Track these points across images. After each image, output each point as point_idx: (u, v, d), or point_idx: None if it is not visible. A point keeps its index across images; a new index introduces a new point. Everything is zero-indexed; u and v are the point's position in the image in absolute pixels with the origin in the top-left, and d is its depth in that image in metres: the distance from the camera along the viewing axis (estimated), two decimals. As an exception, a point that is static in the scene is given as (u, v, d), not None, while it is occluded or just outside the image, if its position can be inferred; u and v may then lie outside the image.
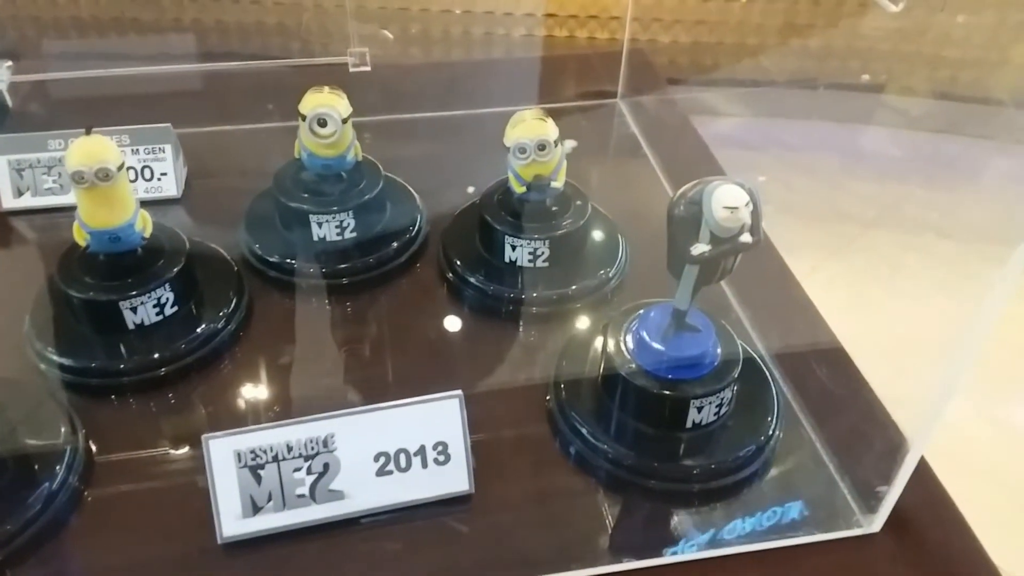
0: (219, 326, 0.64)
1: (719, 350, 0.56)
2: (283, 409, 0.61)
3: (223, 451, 0.50)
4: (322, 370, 0.65)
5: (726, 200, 0.46)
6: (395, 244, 0.73)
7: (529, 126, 0.65)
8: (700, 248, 0.48)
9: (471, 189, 0.81)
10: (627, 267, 0.72)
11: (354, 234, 0.72)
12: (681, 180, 0.85)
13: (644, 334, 0.56)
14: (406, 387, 0.63)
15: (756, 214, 0.48)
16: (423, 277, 0.73)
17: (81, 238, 0.60)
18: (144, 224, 0.61)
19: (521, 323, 0.69)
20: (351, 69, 0.89)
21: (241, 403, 0.62)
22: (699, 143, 0.91)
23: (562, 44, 1.41)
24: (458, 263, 0.72)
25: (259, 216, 0.75)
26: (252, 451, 0.50)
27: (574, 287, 0.69)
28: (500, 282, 0.70)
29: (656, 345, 0.55)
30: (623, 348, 0.57)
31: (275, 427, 0.51)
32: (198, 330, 0.63)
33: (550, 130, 0.65)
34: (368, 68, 0.89)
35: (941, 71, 1.55)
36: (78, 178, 0.56)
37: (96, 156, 0.56)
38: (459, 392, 0.53)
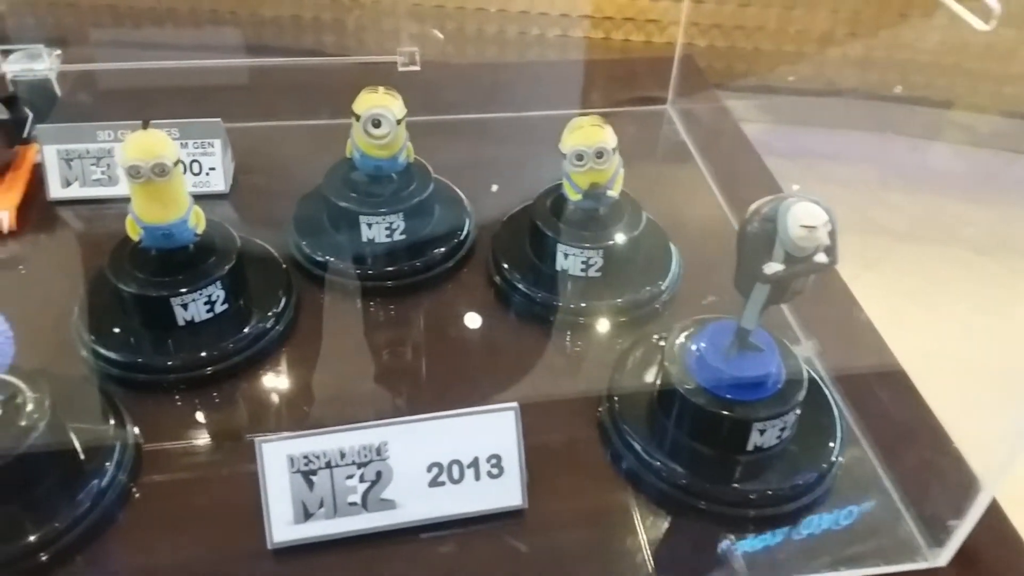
0: (268, 325, 0.64)
1: (783, 371, 0.55)
2: (331, 413, 0.60)
3: (276, 455, 0.49)
4: (369, 374, 0.64)
5: (804, 219, 0.45)
6: (443, 248, 0.72)
7: (587, 132, 0.64)
8: (773, 267, 0.46)
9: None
10: (679, 280, 0.70)
11: (403, 236, 0.71)
12: (734, 191, 0.85)
13: (705, 351, 0.55)
14: (453, 395, 0.63)
15: (833, 234, 0.46)
16: (471, 282, 0.72)
17: (134, 232, 0.59)
18: (197, 220, 0.61)
19: (570, 333, 0.67)
20: (400, 68, 0.88)
21: (289, 405, 0.61)
22: (752, 153, 0.89)
23: (599, 46, 1.40)
24: (507, 269, 0.70)
25: (307, 214, 0.74)
26: (305, 456, 0.50)
27: (626, 298, 0.68)
28: (550, 290, 0.68)
29: (718, 364, 0.54)
30: (682, 364, 0.56)
31: (329, 433, 0.50)
32: (247, 329, 0.63)
33: (608, 137, 0.64)
34: (417, 68, 0.88)
35: (998, 87, 1.52)
36: (134, 172, 0.56)
37: (153, 151, 0.56)
38: (515, 404, 0.52)
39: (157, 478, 0.55)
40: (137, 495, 0.54)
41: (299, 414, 0.60)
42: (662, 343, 0.60)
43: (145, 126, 0.57)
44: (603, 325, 0.67)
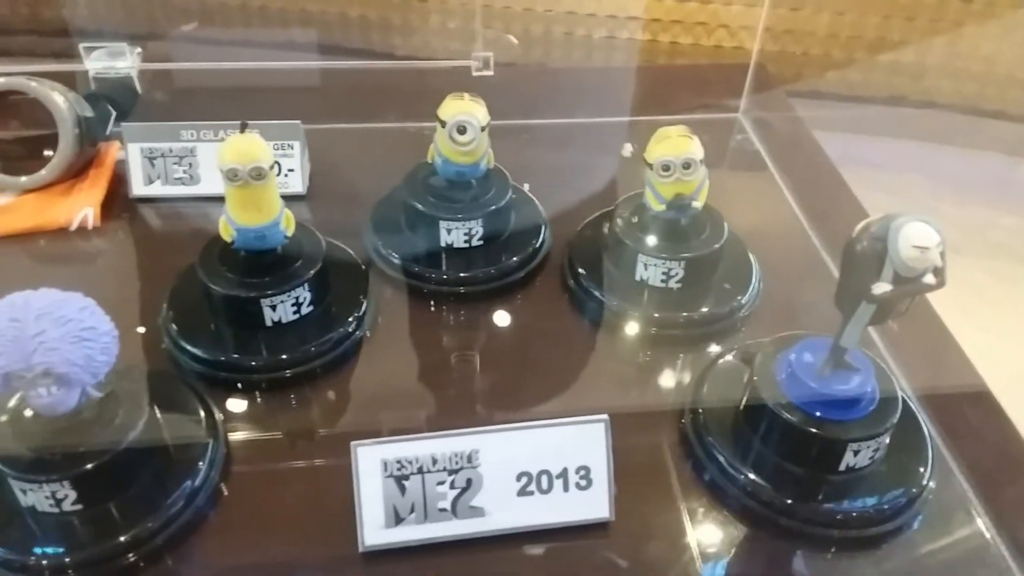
0: (350, 328, 0.64)
1: (876, 390, 0.54)
2: (413, 418, 0.60)
3: (370, 459, 0.50)
4: (448, 380, 0.64)
5: (917, 239, 0.44)
6: (520, 254, 0.72)
7: (675, 143, 0.63)
8: (883, 287, 0.46)
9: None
10: (760, 294, 0.70)
11: (481, 242, 0.71)
12: (810, 203, 0.83)
13: (797, 368, 0.54)
14: (530, 403, 0.63)
15: (943, 254, 0.45)
16: (546, 289, 0.72)
17: (227, 234, 0.60)
18: (288, 223, 0.62)
19: (648, 343, 0.67)
20: (474, 73, 0.88)
21: (371, 409, 0.61)
22: (827, 164, 0.88)
23: (665, 50, 1.39)
24: (583, 277, 0.70)
25: (384, 218, 0.75)
26: (398, 461, 0.50)
27: (706, 311, 0.67)
28: (627, 299, 0.68)
29: (813, 381, 0.53)
30: (774, 380, 0.55)
31: (422, 438, 0.50)
32: (331, 331, 0.63)
33: (696, 148, 0.63)
34: (491, 73, 0.88)
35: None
36: (232, 175, 0.56)
37: (251, 155, 0.57)
38: (605, 416, 0.52)
39: (247, 477, 0.55)
40: (227, 494, 0.54)
41: (382, 418, 0.61)
42: (748, 357, 0.60)
43: (243, 129, 0.58)
44: (682, 337, 0.67)
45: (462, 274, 0.70)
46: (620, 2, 1.31)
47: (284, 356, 0.62)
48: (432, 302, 0.71)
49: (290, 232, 0.62)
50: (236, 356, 0.62)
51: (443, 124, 0.66)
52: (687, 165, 0.63)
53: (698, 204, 0.65)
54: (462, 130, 0.66)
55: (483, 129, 0.67)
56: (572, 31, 1.33)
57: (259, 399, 0.62)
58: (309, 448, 0.58)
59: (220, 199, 0.78)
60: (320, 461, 0.57)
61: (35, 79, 0.77)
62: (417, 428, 0.60)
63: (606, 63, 1.37)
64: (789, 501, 0.54)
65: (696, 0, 1.32)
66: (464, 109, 0.66)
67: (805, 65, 1.40)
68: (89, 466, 0.48)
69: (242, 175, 0.56)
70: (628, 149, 0.91)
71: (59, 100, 0.76)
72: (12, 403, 0.50)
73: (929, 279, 0.46)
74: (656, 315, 0.67)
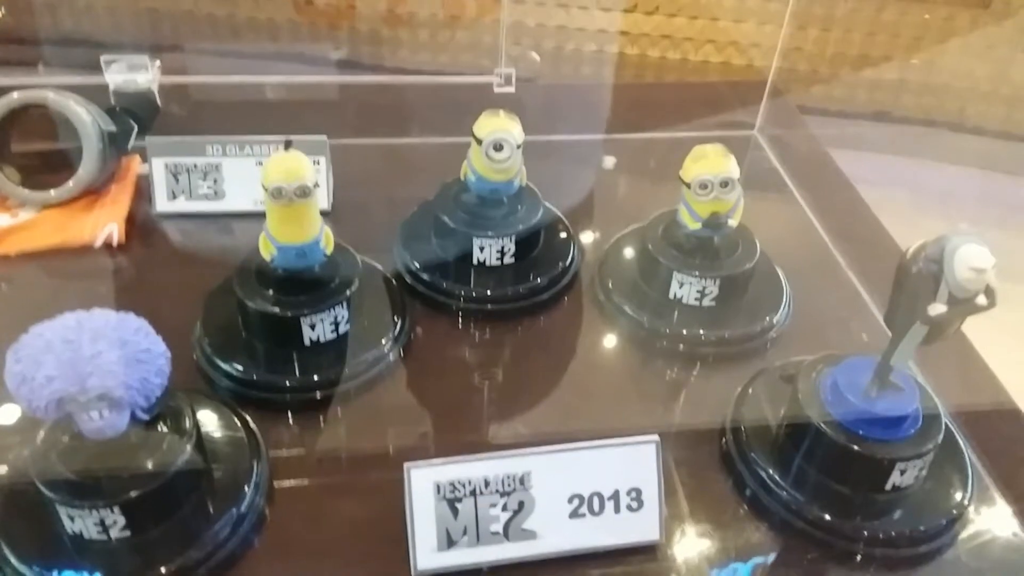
0: (388, 346, 0.64)
1: (920, 410, 0.54)
2: (456, 438, 0.60)
3: (423, 482, 0.49)
4: (488, 399, 0.64)
5: (974, 261, 0.45)
6: (551, 272, 0.72)
7: (712, 162, 0.64)
8: (938, 308, 0.46)
9: (595, 208, 0.79)
10: (791, 313, 0.70)
11: (512, 259, 0.71)
12: (833, 221, 0.84)
13: (843, 387, 0.55)
14: (570, 423, 0.63)
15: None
16: (577, 307, 0.72)
17: (267, 251, 0.60)
18: (327, 241, 0.61)
19: (682, 361, 0.67)
20: (496, 89, 0.89)
21: (414, 428, 0.61)
22: (845, 182, 0.89)
23: (674, 66, 1.40)
24: (615, 294, 0.70)
25: (414, 234, 0.75)
26: (451, 483, 0.50)
27: (740, 329, 0.68)
28: (660, 317, 0.68)
29: (859, 401, 0.53)
30: (818, 399, 0.55)
31: (474, 460, 0.50)
32: (368, 349, 0.63)
33: (733, 167, 0.64)
34: (512, 89, 0.88)
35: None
36: (276, 194, 0.56)
37: (295, 173, 0.56)
38: (655, 438, 0.52)
39: (291, 501, 0.55)
40: (272, 519, 0.54)
41: (425, 438, 0.60)
42: (788, 375, 0.60)
43: (287, 147, 0.57)
44: (716, 355, 0.67)
45: (494, 291, 0.70)
46: (633, 19, 1.32)
47: (322, 375, 0.61)
48: (464, 319, 0.70)
49: (329, 250, 0.62)
50: (273, 375, 0.61)
51: (479, 141, 0.67)
52: (725, 183, 0.63)
53: (733, 222, 0.66)
54: (499, 147, 0.66)
55: (519, 147, 0.67)
56: (582, 47, 1.34)
57: (297, 419, 0.61)
58: (353, 470, 0.58)
59: (245, 215, 0.79)
60: (365, 483, 0.56)
61: (58, 92, 0.76)
62: (460, 448, 0.59)
63: (619, 79, 1.39)
64: (834, 519, 0.54)
65: (705, 18, 1.34)
66: (501, 126, 0.66)
67: (813, 83, 1.42)
68: (140, 491, 0.47)
69: (286, 193, 0.56)
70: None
71: (83, 114, 0.75)
72: (57, 426, 0.49)
73: (981, 300, 0.47)
74: (690, 333, 0.67)
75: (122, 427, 0.47)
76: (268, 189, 0.56)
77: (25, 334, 0.45)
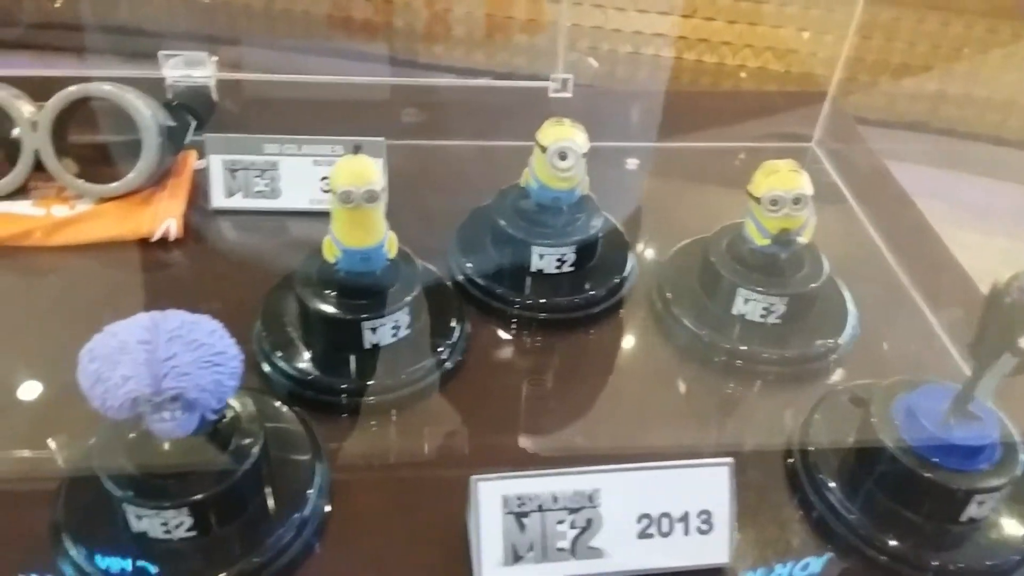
0: (446, 352, 0.63)
1: (999, 441, 0.53)
2: (517, 448, 0.59)
3: (491, 495, 0.48)
4: (549, 409, 0.63)
5: (1074, 293, 0.43)
6: (609, 282, 0.71)
7: (784, 177, 0.62)
8: (1033, 340, 0.45)
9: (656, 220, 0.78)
10: (858, 334, 0.68)
11: (571, 268, 0.70)
12: (897, 240, 0.82)
13: (919, 414, 0.53)
14: (631, 439, 0.62)
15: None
16: (635, 320, 0.71)
17: (331, 254, 0.59)
18: (391, 246, 0.61)
19: (745, 380, 0.66)
20: (551, 95, 0.88)
21: (472, 437, 0.60)
22: (905, 197, 0.87)
23: (731, 73, 1.37)
24: (675, 308, 0.69)
25: (469, 239, 0.74)
26: (519, 498, 0.49)
27: (805, 349, 0.66)
28: (723, 333, 0.67)
29: (937, 429, 0.52)
30: (892, 424, 0.54)
31: (543, 475, 0.49)
32: (427, 354, 0.62)
33: (806, 183, 0.62)
34: (569, 95, 0.87)
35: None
36: (346, 198, 0.55)
37: (365, 177, 0.56)
38: (730, 460, 0.51)
39: (351, 507, 0.54)
40: (333, 524, 0.53)
41: (484, 448, 0.59)
42: (857, 398, 0.59)
43: (356, 151, 0.57)
44: (780, 374, 0.66)
45: (552, 300, 0.69)
46: (693, 24, 1.31)
47: (381, 379, 0.60)
48: (520, 327, 0.69)
49: (392, 254, 0.61)
50: (332, 377, 0.60)
51: (543, 149, 0.66)
52: (797, 200, 0.62)
53: (804, 240, 0.64)
54: (563, 156, 0.65)
55: (583, 155, 0.66)
56: (639, 51, 1.33)
57: (353, 422, 0.60)
58: (411, 477, 0.57)
59: (300, 214, 0.79)
60: (424, 492, 0.56)
61: (117, 85, 0.76)
62: (519, 459, 0.59)
63: (675, 85, 1.37)
64: (904, 548, 0.53)
65: (766, 25, 1.32)
66: (565, 135, 0.65)
67: (872, 95, 1.39)
68: (209, 492, 0.47)
69: (355, 198, 0.55)
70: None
71: (143, 108, 0.75)
72: (127, 425, 0.49)
73: (1077, 332, 0.45)
74: (752, 350, 0.66)
75: (191, 428, 0.46)
76: (337, 192, 0.55)
77: (99, 333, 0.45)
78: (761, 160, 0.68)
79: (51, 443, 0.56)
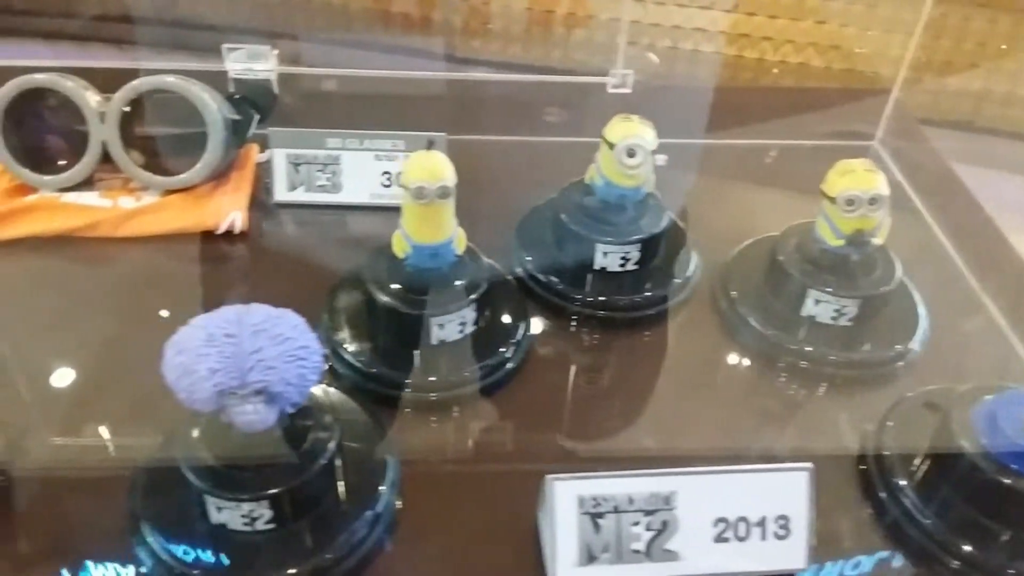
0: (511, 349, 0.63)
1: (1086, 451, 0.51)
2: (587, 447, 0.59)
3: (567, 495, 0.48)
4: (614, 409, 0.62)
5: None
6: (672, 280, 0.70)
7: (860, 177, 0.61)
8: None
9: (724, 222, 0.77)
10: (929, 339, 0.67)
11: (635, 267, 0.70)
12: (965, 243, 0.80)
13: (1002, 422, 0.52)
14: (698, 438, 0.61)
15: None
16: (698, 319, 0.70)
17: (401, 250, 0.59)
18: (460, 242, 0.60)
19: (815, 383, 0.65)
20: (610, 90, 0.87)
21: (540, 435, 0.60)
22: (973, 201, 0.85)
23: (792, 71, 1.35)
24: (740, 308, 0.68)
25: (531, 235, 0.74)
26: (594, 498, 0.48)
27: (876, 353, 0.65)
28: (791, 335, 0.66)
29: (1019, 436, 0.51)
30: (972, 430, 0.53)
31: (619, 476, 0.49)
32: (493, 351, 0.62)
33: (883, 184, 0.61)
34: (628, 91, 0.87)
35: None
36: (418, 194, 0.55)
37: (438, 174, 0.56)
38: (809, 465, 0.50)
39: (421, 503, 0.54)
40: (404, 521, 0.53)
41: (550, 447, 0.59)
42: (933, 403, 0.58)
43: (429, 147, 0.57)
44: (851, 378, 0.65)
45: (616, 298, 0.69)
46: (754, 22, 1.29)
47: (448, 375, 0.61)
48: (582, 324, 0.69)
49: (460, 250, 0.61)
50: (399, 372, 0.60)
51: (611, 146, 0.65)
52: (873, 201, 0.60)
53: (878, 241, 0.63)
54: (632, 153, 0.64)
55: (652, 153, 0.65)
56: (699, 47, 1.31)
57: (420, 417, 0.60)
58: (480, 474, 0.57)
59: (361, 208, 0.79)
60: (491, 489, 0.56)
61: (183, 78, 0.77)
62: (586, 459, 0.59)
63: (735, 82, 1.35)
64: (981, 554, 0.52)
65: (833, 23, 1.29)
66: (634, 132, 0.65)
67: (933, 95, 1.37)
68: (289, 485, 0.47)
69: (428, 193, 0.55)
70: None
71: (209, 101, 0.75)
72: (204, 416, 0.49)
73: None
74: (821, 352, 0.65)
75: (272, 421, 0.46)
76: (409, 188, 0.55)
77: (185, 326, 0.45)
78: (821, 158, 0.66)
79: (126, 433, 0.57)
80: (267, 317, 0.45)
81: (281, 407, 0.47)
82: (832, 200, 0.62)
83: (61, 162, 0.78)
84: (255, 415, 0.45)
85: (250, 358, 0.43)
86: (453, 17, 1.41)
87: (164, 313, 0.67)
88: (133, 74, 0.77)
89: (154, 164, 0.78)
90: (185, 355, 0.44)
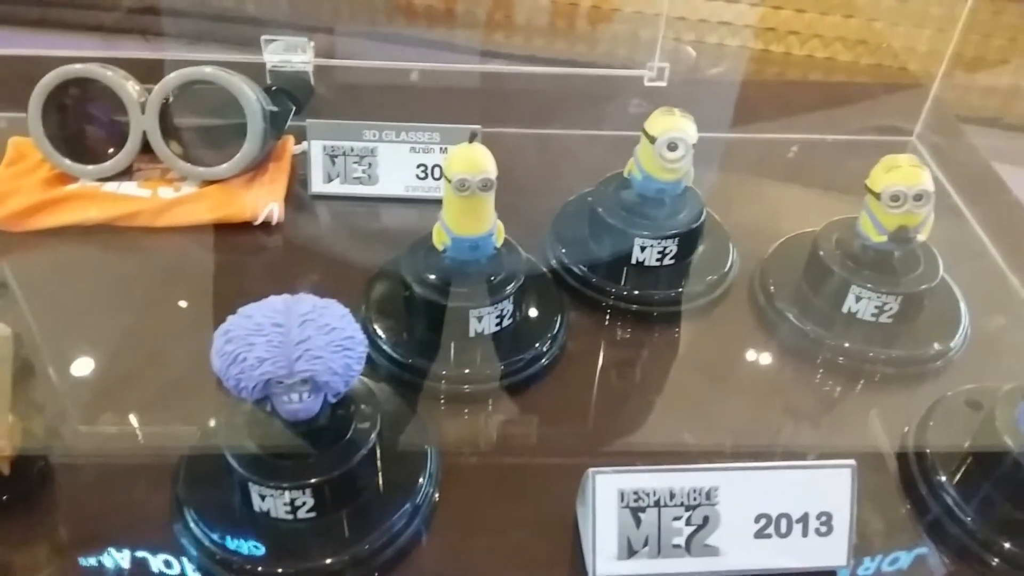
0: (548, 343, 0.63)
1: None
2: (623, 442, 0.59)
3: (608, 488, 0.48)
4: (651, 404, 0.62)
5: None
6: (710, 275, 0.70)
7: (906, 173, 0.60)
8: None
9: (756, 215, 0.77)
10: (969, 337, 0.66)
11: (672, 261, 0.69)
12: (1006, 241, 0.79)
13: (1050, 422, 0.51)
14: (739, 437, 0.61)
15: None
16: (737, 315, 0.70)
17: (441, 242, 0.60)
18: (499, 235, 0.61)
19: (855, 379, 0.64)
20: (647, 83, 0.86)
21: (575, 429, 0.60)
22: (1012, 198, 0.84)
23: (822, 66, 1.34)
24: (779, 304, 0.68)
25: (566, 228, 0.74)
26: (635, 492, 0.48)
27: (919, 350, 0.64)
28: (831, 331, 0.65)
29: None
30: (1016, 428, 0.52)
31: (660, 471, 0.49)
32: (530, 344, 0.62)
33: (928, 180, 0.60)
34: (664, 84, 0.86)
35: None
36: (461, 186, 0.55)
37: (480, 166, 0.56)
38: (852, 462, 0.49)
39: (459, 495, 0.54)
40: (442, 512, 0.53)
41: (589, 440, 0.59)
42: (975, 401, 0.58)
43: (471, 139, 0.57)
44: (886, 374, 0.64)
45: (653, 292, 0.69)
46: (782, 16, 1.27)
47: (486, 368, 0.61)
48: (618, 319, 0.69)
49: (499, 243, 0.61)
50: (437, 364, 0.61)
51: (652, 140, 0.65)
52: (919, 197, 0.60)
53: (922, 237, 0.62)
54: (673, 147, 0.64)
55: (693, 147, 0.65)
56: (746, 44, 1.30)
57: (457, 409, 0.61)
58: (517, 466, 0.57)
59: (396, 200, 0.79)
60: (530, 481, 0.56)
61: (223, 70, 0.78)
62: (625, 453, 0.59)
63: (766, 76, 1.34)
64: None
65: (862, 18, 1.28)
66: (675, 125, 0.64)
67: (969, 91, 1.34)
68: (333, 474, 0.47)
69: (470, 186, 0.55)
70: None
71: (250, 93, 0.76)
72: (249, 407, 0.50)
73: None
74: (860, 349, 0.64)
75: (316, 410, 0.47)
76: (452, 180, 0.56)
77: (234, 315, 0.46)
78: (859, 153, 0.66)
79: (168, 421, 0.58)
80: (314, 307, 0.45)
81: (325, 396, 0.47)
82: (876, 195, 0.61)
83: (101, 152, 0.79)
84: (300, 404, 0.46)
85: (297, 348, 0.44)
86: (477, 11, 1.41)
87: (203, 303, 0.68)
88: (172, 65, 0.78)
89: (193, 155, 0.79)
90: (234, 343, 0.44)
